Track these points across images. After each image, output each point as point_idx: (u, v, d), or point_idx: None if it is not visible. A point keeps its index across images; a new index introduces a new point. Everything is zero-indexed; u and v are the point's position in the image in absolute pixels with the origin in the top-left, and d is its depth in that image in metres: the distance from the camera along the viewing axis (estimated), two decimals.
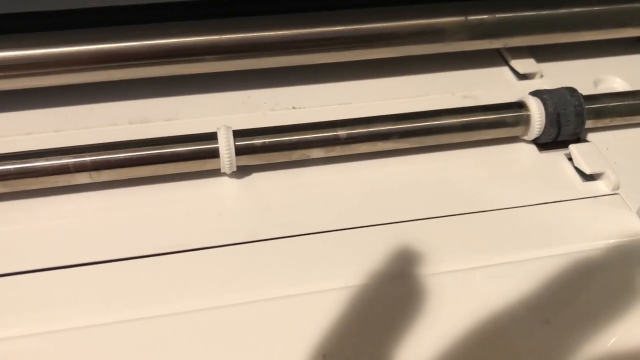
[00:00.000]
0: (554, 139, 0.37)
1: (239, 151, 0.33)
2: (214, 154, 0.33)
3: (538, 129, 0.36)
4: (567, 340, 0.28)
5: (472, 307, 0.29)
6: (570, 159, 0.37)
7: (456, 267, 0.31)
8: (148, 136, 0.34)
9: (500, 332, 0.28)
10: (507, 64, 0.44)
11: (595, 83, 0.43)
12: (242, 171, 0.34)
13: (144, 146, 0.33)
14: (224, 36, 0.37)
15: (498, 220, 0.33)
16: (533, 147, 0.38)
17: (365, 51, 0.40)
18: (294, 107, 0.39)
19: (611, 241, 0.33)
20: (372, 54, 0.41)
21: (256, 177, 0.35)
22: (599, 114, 0.38)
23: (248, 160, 0.34)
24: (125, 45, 0.36)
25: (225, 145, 0.33)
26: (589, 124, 0.38)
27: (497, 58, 0.45)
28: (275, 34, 0.38)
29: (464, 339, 0.28)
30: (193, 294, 0.29)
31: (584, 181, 0.36)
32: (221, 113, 0.39)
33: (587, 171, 0.36)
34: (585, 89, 0.38)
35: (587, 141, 0.38)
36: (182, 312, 0.28)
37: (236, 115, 0.38)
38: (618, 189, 0.35)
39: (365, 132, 0.35)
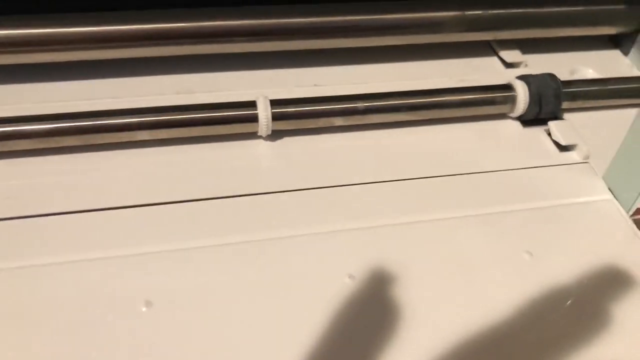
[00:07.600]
0: (536, 116, 0.44)
1: (275, 117, 0.39)
2: (254, 118, 0.39)
3: (522, 107, 0.43)
4: (546, 269, 0.35)
5: (465, 243, 0.36)
6: (549, 134, 0.44)
7: (452, 215, 0.38)
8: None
9: (487, 262, 0.35)
10: (496, 54, 0.51)
11: (571, 72, 0.50)
12: (275, 135, 0.41)
13: (196, 110, 0.39)
14: (254, 21, 0.43)
15: (487, 181, 0.40)
16: (518, 123, 0.45)
17: (376, 39, 0.47)
18: (315, 85, 0.46)
19: (580, 199, 0.40)
20: (381, 42, 0.47)
21: (287, 140, 0.41)
22: (574, 97, 0.45)
23: (282, 125, 0.40)
24: (173, 26, 0.42)
25: (264, 111, 0.39)
26: (565, 105, 0.45)
27: (487, 49, 0.51)
28: (298, 21, 0.44)
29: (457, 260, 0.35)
30: (237, 230, 0.35)
31: (560, 151, 0.43)
32: (252, 87, 0.44)
33: (563, 142, 0.43)
34: (562, 77, 0.45)
35: (563, 119, 0.45)
36: (231, 243, 0.35)
37: (266, 90, 0.44)
38: (588, 158, 0.42)
39: (380, 104, 0.41)
